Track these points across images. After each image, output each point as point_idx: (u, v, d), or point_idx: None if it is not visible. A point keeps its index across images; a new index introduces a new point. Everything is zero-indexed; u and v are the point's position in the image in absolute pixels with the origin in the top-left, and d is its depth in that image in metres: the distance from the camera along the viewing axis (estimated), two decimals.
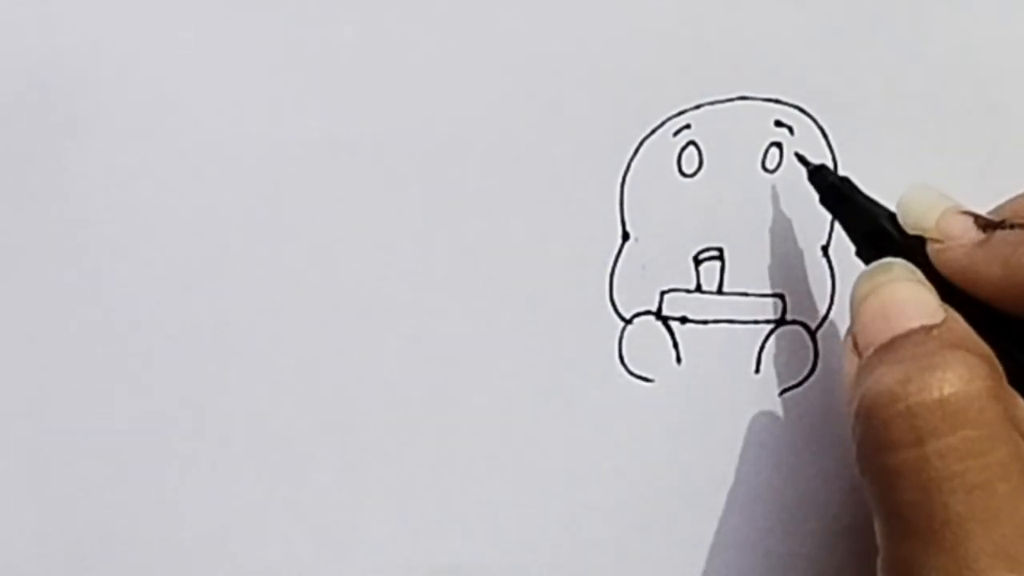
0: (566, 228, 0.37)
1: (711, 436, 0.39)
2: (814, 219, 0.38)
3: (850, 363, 0.33)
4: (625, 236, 0.38)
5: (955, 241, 0.33)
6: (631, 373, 0.38)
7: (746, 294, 0.38)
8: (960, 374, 0.30)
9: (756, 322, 0.38)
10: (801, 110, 0.38)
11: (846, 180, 0.37)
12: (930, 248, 0.34)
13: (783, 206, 0.38)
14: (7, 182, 0.35)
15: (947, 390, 0.30)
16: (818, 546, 0.39)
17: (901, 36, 0.39)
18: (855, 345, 0.33)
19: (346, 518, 0.38)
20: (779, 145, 0.38)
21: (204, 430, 0.37)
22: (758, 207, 0.38)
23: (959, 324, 0.32)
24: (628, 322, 0.38)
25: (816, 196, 0.37)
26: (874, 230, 0.35)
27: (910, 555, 0.30)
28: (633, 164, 0.37)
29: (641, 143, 0.37)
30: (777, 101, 0.38)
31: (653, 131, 0.37)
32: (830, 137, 0.38)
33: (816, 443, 0.38)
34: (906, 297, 0.33)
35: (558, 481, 0.38)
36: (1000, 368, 0.31)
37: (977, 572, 0.29)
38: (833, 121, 0.38)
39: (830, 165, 0.38)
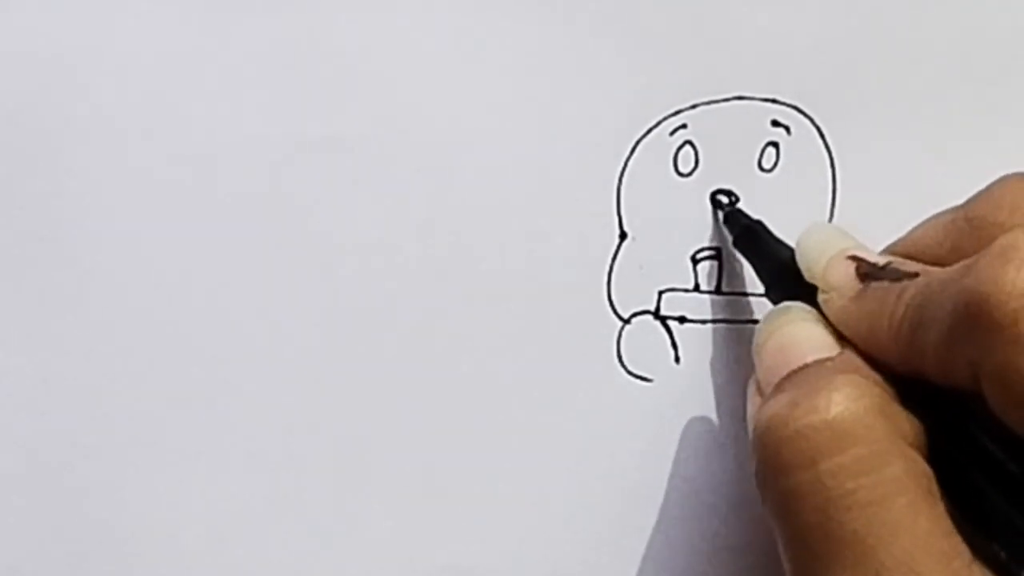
0: (563, 228, 0.37)
1: (710, 436, 0.39)
2: (812, 219, 0.38)
3: (753, 405, 0.34)
4: (622, 236, 0.38)
5: (836, 292, 0.33)
6: (630, 373, 0.38)
7: (744, 294, 0.38)
8: (847, 394, 0.30)
9: (755, 322, 0.38)
10: (798, 110, 0.38)
11: (759, 223, 0.37)
12: (819, 297, 0.34)
13: (780, 206, 0.38)
14: (7, 182, 0.35)
15: (834, 411, 0.30)
16: None
17: (900, 36, 0.39)
18: (758, 388, 0.34)
19: (346, 518, 0.38)
20: (776, 145, 0.38)
21: (204, 430, 0.37)
22: (755, 207, 0.38)
23: (853, 356, 0.32)
24: (626, 322, 0.38)
25: (817, 199, 0.37)
26: (779, 273, 0.35)
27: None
28: (630, 164, 0.38)
29: (637, 143, 0.37)
30: (774, 101, 0.38)
31: (649, 131, 0.37)
32: (827, 137, 0.38)
33: None
34: (803, 336, 0.33)
35: (557, 481, 0.38)
36: (890, 389, 0.31)
37: None
38: (830, 121, 0.38)
39: (828, 165, 0.38)
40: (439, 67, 0.37)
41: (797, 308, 0.34)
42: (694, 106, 0.38)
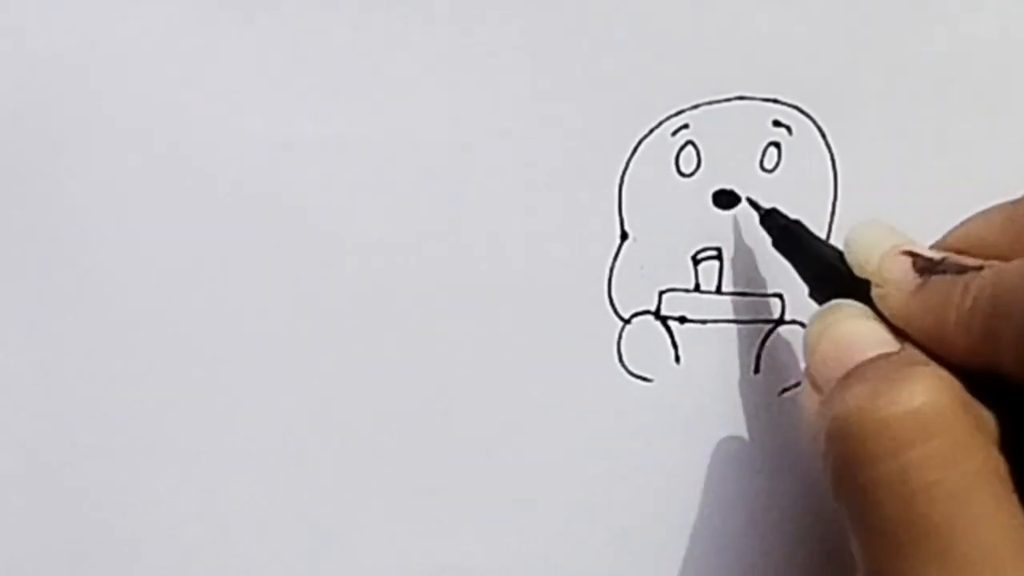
0: (565, 228, 0.37)
1: (710, 436, 0.39)
2: (812, 219, 0.38)
3: (811, 400, 0.33)
4: (624, 236, 0.38)
5: (893, 287, 0.33)
6: (630, 373, 0.38)
7: (745, 294, 0.38)
8: (929, 385, 0.30)
9: (755, 322, 0.38)
10: (800, 110, 0.38)
11: (798, 223, 0.37)
12: (873, 292, 0.34)
13: (782, 206, 0.38)
14: (7, 182, 0.35)
15: (918, 401, 0.30)
16: (818, 545, 0.39)
17: (900, 36, 0.39)
18: (813, 384, 0.33)
19: (346, 518, 0.38)
20: (777, 145, 0.38)
21: (204, 430, 0.37)
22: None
23: (917, 351, 0.32)
24: (627, 322, 0.38)
25: (819, 199, 0.37)
26: (825, 271, 0.35)
27: (895, 569, 0.29)
28: (631, 164, 0.37)
29: (639, 143, 0.37)
30: (775, 101, 0.38)
31: (651, 131, 0.37)
32: (828, 137, 0.38)
33: None
34: (859, 332, 0.33)
35: (557, 481, 0.38)
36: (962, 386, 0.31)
37: None
38: (832, 121, 0.38)
39: (829, 165, 0.38)
40: (439, 67, 0.37)
41: (849, 305, 0.34)
42: (696, 106, 0.38)
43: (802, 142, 0.38)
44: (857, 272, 0.34)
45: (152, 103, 0.36)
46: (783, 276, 0.38)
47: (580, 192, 0.37)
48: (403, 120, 0.37)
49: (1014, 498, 0.30)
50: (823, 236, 0.38)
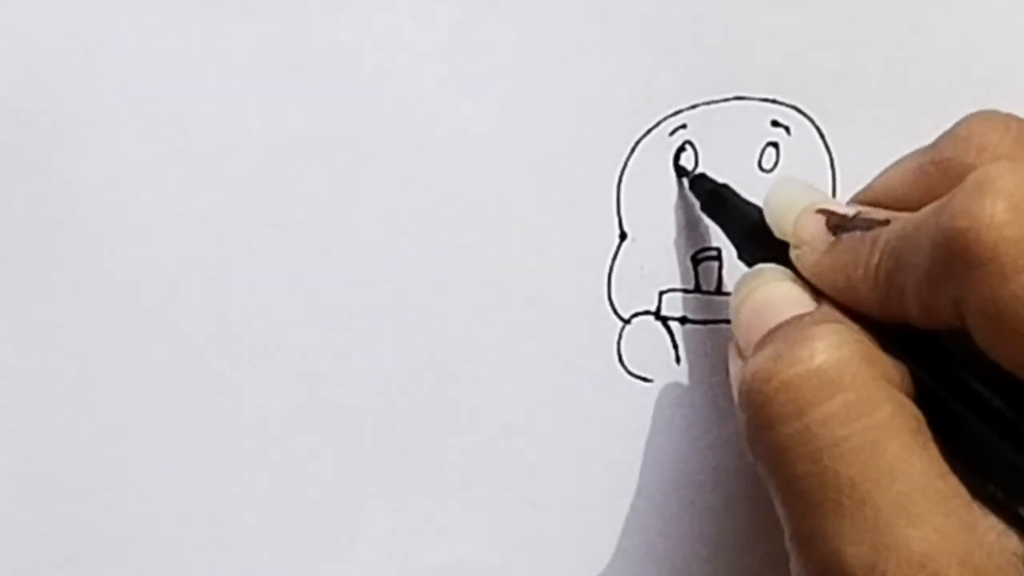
0: (564, 228, 0.37)
1: (710, 436, 0.39)
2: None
3: (735, 367, 0.33)
4: (623, 236, 0.38)
5: (808, 246, 0.33)
6: (630, 373, 0.38)
7: None
8: (829, 342, 0.30)
9: None
10: (798, 110, 0.38)
11: (725, 186, 0.37)
12: (792, 253, 0.34)
13: None
14: (7, 182, 0.35)
15: (818, 359, 0.30)
16: None
17: (900, 36, 0.39)
18: (737, 351, 0.34)
19: (346, 517, 0.38)
20: (776, 145, 0.38)
21: (204, 430, 0.37)
22: None
23: (831, 309, 0.32)
24: (627, 322, 0.38)
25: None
26: (749, 232, 0.35)
27: (811, 527, 0.29)
28: (630, 164, 0.38)
29: (638, 143, 0.37)
30: (774, 101, 0.38)
31: (649, 131, 0.37)
32: (827, 137, 0.38)
33: None
34: (778, 295, 0.33)
35: (557, 481, 0.38)
36: (872, 338, 0.31)
37: (879, 532, 0.29)
38: (830, 121, 0.38)
39: (828, 166, 0.38)
40: (439, 67, 0.37)
41: (770, 269, 0.34)
42: (694, 106, 0.38)
43: (800, 142, 0.38)
44: (776, 233, 0.34)
45: (152, 103, 0.36)
46: None
47: (579, 192, 0.37)
48: (403, 120, 0.37)
49: (930, 446, 0.30)
50: None
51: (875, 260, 0.31)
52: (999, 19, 0.39)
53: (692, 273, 0.38)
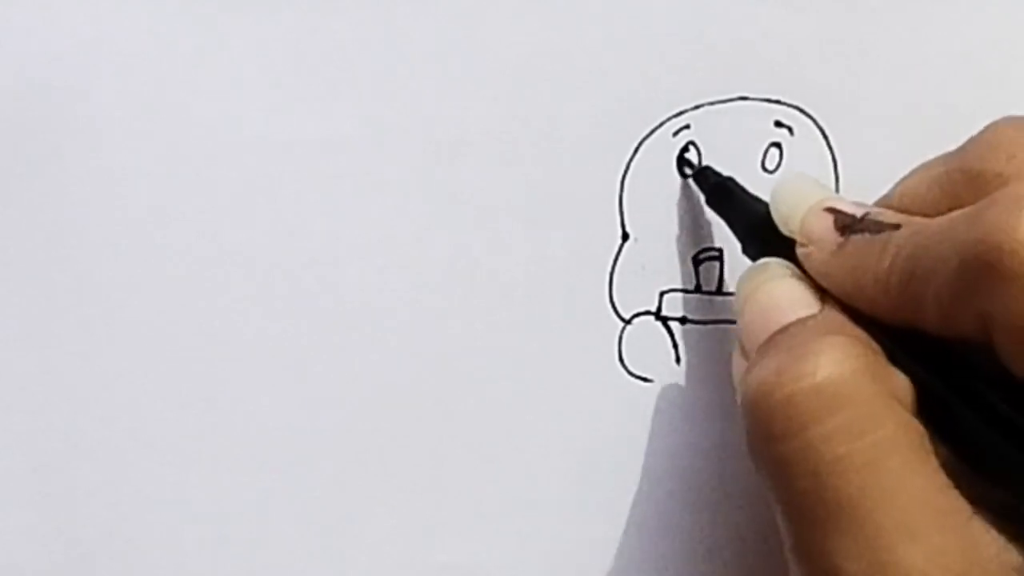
0: (565, 228, 0.37)
1: (710, 436, 0.39)
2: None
3: (738, 367, 0.33)
4: (625, 236, 0.38)
5: (815, 245, 0.33)
6: (631, 373, 0.38)
7: None
8: (833, 357, 0.30)
9: None
10: (801, 110, 0.38)
11: (730, 179, 0.37)
12: (798, 250, 0.33)
13: None
14: (6, 182, 0.35)
15: (821, 375, 0.30)
16: None
17: (901, 36, 0.39)
18: (742, 349, 0.33)
19: (346, 517, 0.38)
20: (779, 145, 0.38)
21: (204, 430, 0.37)
22: None
23: (835, 313, 0.32)
24: (628, 322, 0.38)
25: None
26: (754, 227, 0.35)
27: (812, 543, 0.29)
28: (632, 164, 0.37)
29: (640, 143, 0.37)
30: (777, 102, 0.38)
31: (652, 131, 0.37)
32: (830, 138, 0.38)
33: None
34: (782, 293, 0.33)
35: (558, 481, 0.38)
36: (875, 345, 0.31)
37: (879, 549, 0.29)
38: (833, 121, 0.38)
39: (831, 166, 0.38)
40: (439, 67, 0.37)
41: (775, 264, 0.34)
42: (697, 107, 0.38)
43: (804, 143, 0.38)
44: (782, 230, 0.34)
45: (152, 103, 0.35)
46: None
47: (581, 192, 0.37)
48: (402, 120, 0.37)
49: (931, 461, 0.30)
50: None
51: (885, 265, 0.31)
52: (1002, 20, 0.39)
53: (693, 273, 0.38)
